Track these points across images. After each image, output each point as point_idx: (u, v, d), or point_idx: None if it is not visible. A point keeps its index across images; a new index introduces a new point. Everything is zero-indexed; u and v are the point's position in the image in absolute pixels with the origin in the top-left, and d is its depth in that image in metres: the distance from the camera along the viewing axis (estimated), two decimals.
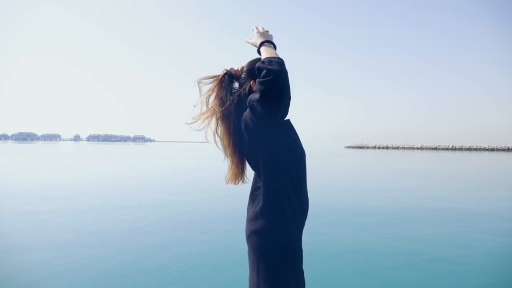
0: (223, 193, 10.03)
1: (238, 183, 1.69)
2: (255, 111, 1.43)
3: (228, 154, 1.62)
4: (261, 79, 1.41)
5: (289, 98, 1.42)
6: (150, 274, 4.02)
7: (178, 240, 5.47)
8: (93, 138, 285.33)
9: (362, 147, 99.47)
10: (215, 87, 1.61)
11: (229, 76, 1.65)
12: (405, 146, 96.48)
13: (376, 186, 13.20)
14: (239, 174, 1.67)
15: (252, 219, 1.51)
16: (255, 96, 1.43)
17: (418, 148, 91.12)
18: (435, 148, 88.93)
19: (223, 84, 1.62)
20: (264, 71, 1.41)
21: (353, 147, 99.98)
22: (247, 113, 1.49)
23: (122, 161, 28.43)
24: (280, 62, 1.44)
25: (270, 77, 1.38)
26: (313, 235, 5.63)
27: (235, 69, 1.67)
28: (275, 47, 1.62)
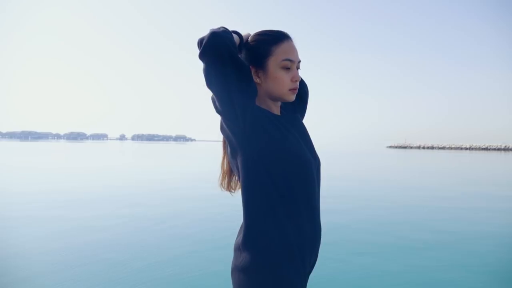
0: None
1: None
2: (213, 103, 1.15)
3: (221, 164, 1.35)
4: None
5: (236, 68, 1.08)
6: None
7: None
8: (137, 137, 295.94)
9: (405, 147, 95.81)
10: None
11: None
12: (452, 146, 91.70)
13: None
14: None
15: (235, 249, 1.16)
16: None
17: (466, 149, 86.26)
18: (486, 148, 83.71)
19: None
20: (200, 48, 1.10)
21: (396, 147, 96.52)
22: None
23: (189, 158, 29.17)
24: (211, 31, 1.09)
25: (200, 50, 1.07)
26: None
27: None
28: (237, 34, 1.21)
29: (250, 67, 1.20)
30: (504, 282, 4.02)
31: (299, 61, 1.23)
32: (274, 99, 1.23)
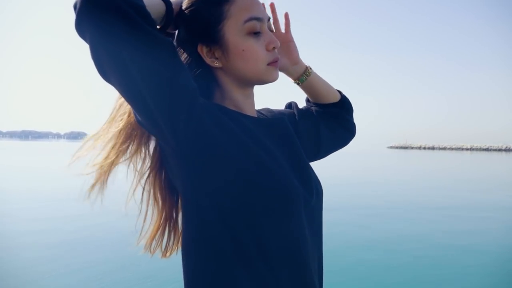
0: None
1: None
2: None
3: None
4: None
5: (153, 40, 0.64)
6: None
7: None
8: None
9: (406, 148, 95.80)
10: None
11: None
12: (453, 146, 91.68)
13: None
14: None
15: None
16: None
17: (467, 149, 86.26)
18: (487, 149, 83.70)
19: None
20: None
21: (397, 147, 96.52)
22: None
23: None
24: None
25: (77, 11, 0.62)
26: None
27: None
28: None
29: (199, 48, 0.79)
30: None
31: (269, 18, 0.83)
32: (247, 84, 0.82)
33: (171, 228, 0.87)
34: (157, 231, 0.86)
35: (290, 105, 1.03)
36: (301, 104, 1.06)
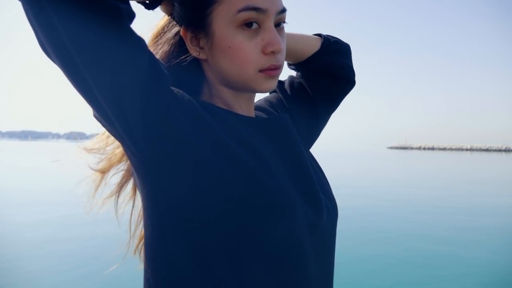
0: None
1: None
2: None
3: None
4: None
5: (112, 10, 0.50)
6: None
7: None
8: None
9: (405, 148, 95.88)
10: None
11: None
12: (453, 147, 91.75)
13: None
14: None
15: None
16: None
17: (467, 149, 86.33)
18: (487, 150, 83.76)
19: None
20: None
21: (397, 148, 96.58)
22: None
23: None
24: None
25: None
26: None
27: None
28: None
29: (182, 31, 0.63)
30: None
31: (281, 11, 0.61)
32: (234, 88, 0.65)
33: None
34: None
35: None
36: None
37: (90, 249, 4.82)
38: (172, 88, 0.59)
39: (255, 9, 0.57)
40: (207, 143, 0.56)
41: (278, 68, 0.62)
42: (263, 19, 0.59)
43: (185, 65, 0.64)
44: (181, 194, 0.55)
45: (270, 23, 0.60)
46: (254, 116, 0.70)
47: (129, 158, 0.59)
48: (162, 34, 0.67)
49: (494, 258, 4.87)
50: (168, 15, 0.65)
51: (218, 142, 0.57)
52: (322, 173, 0.72)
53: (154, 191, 0.57)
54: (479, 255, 5.04)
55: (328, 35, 0.82)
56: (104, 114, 0.54)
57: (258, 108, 0.76)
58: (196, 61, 0.65)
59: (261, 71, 0.61)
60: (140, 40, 0.54)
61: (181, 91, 0.60)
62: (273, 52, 0.60)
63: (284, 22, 0.64)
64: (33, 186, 11.02)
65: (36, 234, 5.52)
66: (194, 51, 0.64)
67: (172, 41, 0.66)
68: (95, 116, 0.57)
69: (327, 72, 0.79)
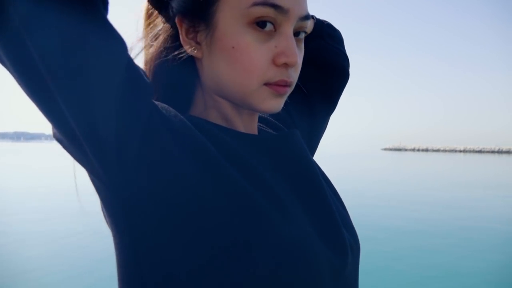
0: None
1: None
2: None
3: None
4: None
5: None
6: None
7: None
8: None
9: (400, 149, 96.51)
10: None
11: None
12: (447, 148, 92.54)
13: None
14: None
15: None
16: None
17: (460, 151, 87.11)
18: (480, 151, 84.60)
19: None
20: None
21: (391, 149, 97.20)
22: None
23: None
24: None
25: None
26: None
27: None
28: None
29: (178, 19, 0.50)
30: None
31: (305, 17, 0.49)
32: (228, 99, 0.53)
33: None
34: None
35: None
36: None
37: (90, 249, 4.76)
38: (156, 102, 0.47)
39: (274, 6, 0.45)
40: (207, 175, 0.43)
41: (289, 86, 0.50)
42: (282, 21, 0.47)
43: (175, 65, 0.51)
44: (170, 246, 0.41)
45: (289, 28, 0.48)
46: (257, 132, 0.57)
47: (98, 190, 0.45)
48: (151, 23, 0.54)
49: (488, 257, 4.90)
50: None
51: (213, 171, 0.44)
52: (338, 198, 0.58)
53: (131, 237, 0.43)
54: (472, 254, 5.08)
55: (320, 18, 0.73)
56: (67, 130, 0.40)
57: (258, 118, 0.62)
58: (190, 61, 0.52)
59: (266, 84, 0.49)
60: (115, 30, 0.42)
61: (166, 106, 0.47)
62: (286, 64, 0.48)
63: (305, 32, 0.51)
64: (33, 185, 10.92)
65: (36, 234, 5.45)
66: (188, 46, 0.50)
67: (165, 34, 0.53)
68: (55, 136, 0.44)
69: (321, 59, 0.69)
